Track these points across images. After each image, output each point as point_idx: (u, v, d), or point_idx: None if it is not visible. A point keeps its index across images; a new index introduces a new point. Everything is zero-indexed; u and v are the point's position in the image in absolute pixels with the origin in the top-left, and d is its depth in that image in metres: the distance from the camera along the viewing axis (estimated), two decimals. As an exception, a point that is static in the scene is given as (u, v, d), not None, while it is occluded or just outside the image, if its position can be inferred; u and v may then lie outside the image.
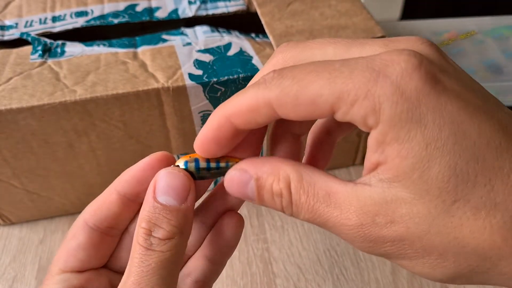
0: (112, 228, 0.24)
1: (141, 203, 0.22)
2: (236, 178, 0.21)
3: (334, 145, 0.25)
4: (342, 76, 0.17)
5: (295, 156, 0.24)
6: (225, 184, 0.21)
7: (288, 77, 0.18)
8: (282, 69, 0.19)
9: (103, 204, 0.23)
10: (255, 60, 0.38)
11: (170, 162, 0.23)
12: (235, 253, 0.42)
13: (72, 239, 0.23)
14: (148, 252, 0.20)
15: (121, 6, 0.44)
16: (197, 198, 0.24)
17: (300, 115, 0.19)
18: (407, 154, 0.17)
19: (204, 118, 0.39)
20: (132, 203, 0.24)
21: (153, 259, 0.20)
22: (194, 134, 0.40)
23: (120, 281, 0.21)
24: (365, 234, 0.18)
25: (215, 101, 0.38)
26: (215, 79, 0.36)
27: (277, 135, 0.24)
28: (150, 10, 0.44)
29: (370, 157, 0.18)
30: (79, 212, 0.24)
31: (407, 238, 0.17)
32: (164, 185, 0.21)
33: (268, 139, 0.24)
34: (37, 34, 0.41)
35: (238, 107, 0.19)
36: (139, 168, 0.23)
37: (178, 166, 0.22)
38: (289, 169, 0.20)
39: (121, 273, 0.25)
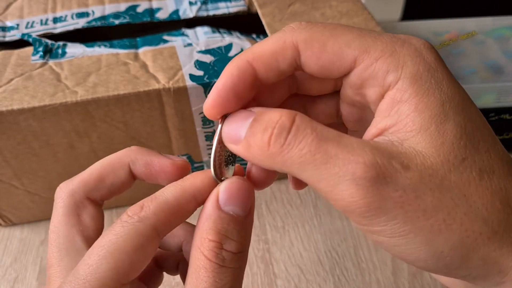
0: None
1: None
2: (238, 115, 0.19)
3: None
4: (371, 35, 0.19)
5: None
6: (223, 125, 0.20)
7: (319, 26, 0.19)
8: (309, 21, 0.19)
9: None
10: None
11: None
12: (236, 253, 0.42)
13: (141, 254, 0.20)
14: (221, 269, 0.18)
15: (122, 7, 0.44)
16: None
17: (323, 63, 0.19)
18: (426, 107, 0.17)
19: (205, 119, 0.39)
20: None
21: (228, 277, 0.18)
22: (195, 135, 0.40)
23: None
24: (378, 174, 0.16)
25: (216, 102, 0.38)
26: (216, 80, 0.36)
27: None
28: (151, 11, 0.44)
29: (378, 123, 0.19)
30: None
31: (419, 188, 0.17)
32: (230, 194, 0.19)
33: None
34: (38, 35, 0.41)
35: (262, 50, 0.19)
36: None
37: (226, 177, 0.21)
38: (296, 112, 0.18)
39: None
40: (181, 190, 0.20)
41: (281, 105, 0.23)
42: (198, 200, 0.20)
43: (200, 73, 0.37)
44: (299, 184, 0.24)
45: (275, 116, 0.18)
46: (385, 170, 0.16)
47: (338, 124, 0.24)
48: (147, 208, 0.19)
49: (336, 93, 0.23)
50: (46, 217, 0.45)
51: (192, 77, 0.36)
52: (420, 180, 0.17)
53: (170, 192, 0.20)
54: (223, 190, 0.20)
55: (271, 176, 0.22)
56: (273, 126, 0.17)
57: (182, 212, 0.20)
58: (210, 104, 0.19)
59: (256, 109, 0.19)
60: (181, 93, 0.36)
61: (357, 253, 0.42)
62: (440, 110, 0.17)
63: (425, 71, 0.18)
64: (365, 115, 0.22)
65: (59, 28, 0.42)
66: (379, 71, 0.18)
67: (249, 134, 0.18)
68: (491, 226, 0.17)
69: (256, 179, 0.22)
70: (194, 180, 0.20)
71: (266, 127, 0.18)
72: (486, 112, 0.47)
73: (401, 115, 0.18)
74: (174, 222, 0.20)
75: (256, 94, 0.21)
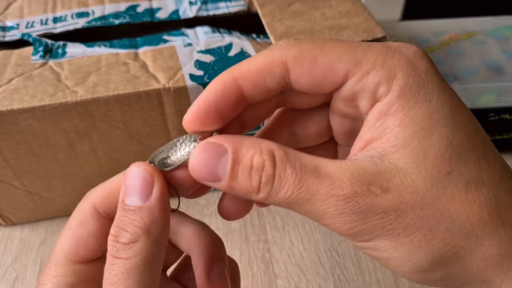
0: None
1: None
2: (207, 152, 0.18)
3: None
4: (362, 47, 0.19)
5: None
6: (191, 162, 0.19)
7: (308, 42, 0.19)
8: (297, 38, 0.19)
9: (114, 191, 0.22)
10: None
11: None
12: (236, 253, 0.42)
13: (81, 227, 0.22)
14: (114, 261, 0.19)
15: (122, 6, 0.44)
16: (200, 194, 0.22)
17: (314, 80, 0.19)
18: (411, 122, 0.17)
19: (205, 119, 0.39)
20: None
21: (119, 268, 0.18)
22: (195, 135, 0.40)
23: None
24: (358, 204, 0.17)
25: (216, 102, 0.38)
26: (216, 80, 0.36)
27: (273, 129, 0.23)
28: (151, 11, 0.44)
29: (364, 135, 0.19)
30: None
31: (400, 208, 0.17)
32: (127, 185, 0.20)
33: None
34: (38, 35, 0.41)
35: (249, 67, 0.19)
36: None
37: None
38: (271, 144, 0.18)
39: None
40: (122, 173, 0.21)
41: (268, 124, 0.23)
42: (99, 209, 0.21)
43: (200, 73, 0.37)
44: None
45: (257, 160, 0.18)
46: (365, 198, 0.17)
47: (327, 142, 0.24)
48: (92, 189, 0.22)
49: (325, 106, 0.22)
50: (46, 217, 0.45)
51: (192, 77, 0.36)
52: (401, 200, 0.17)
53: (115, 176, 0.21)
54: (124, 181, 0.20)
55: (247, 207, 0.22)
56: (260, 175, 0.18)
57: (116, 191, 0.21)
58: (189, 119, 0.19)
59: (227, 144, 0.18)
60: (181, 93, 0.36)
61: (357, 253, 0.42)
62: (426, 123, 0.17)
63: (415, 83, 0.18)
64: (356, 126, 0.22)
65: (59, 28, 0.42)
66: (371, 84, 0.18)
67: (231, 177, 0.18)
68: (475, 239, 0.17)
69: (232, 212, 0.22)
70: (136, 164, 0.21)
71: (250, 171, 0.18)
72: (486, 112, 0.47)
73: (386, 128, 0.18)
74: (112, 199, 0.21)
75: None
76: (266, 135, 0.23)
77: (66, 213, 0.45)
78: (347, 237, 0.18)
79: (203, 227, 0.25)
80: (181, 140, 0.21)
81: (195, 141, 0.20)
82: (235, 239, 0.43)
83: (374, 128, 0.18)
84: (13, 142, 0.36)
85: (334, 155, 0.24)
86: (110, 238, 0.19)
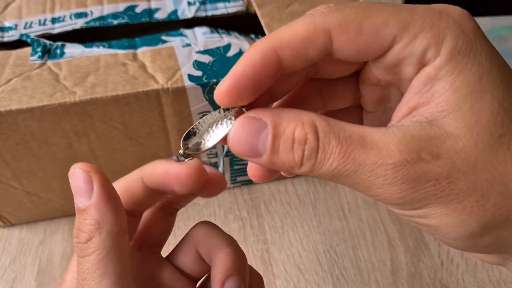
0: (135, 211, 0.23)
1: (165, 193, 0.21)
2: (247, 126, 0.18)
3: None
4: (407, 10, 0.18)
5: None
6: (231, 137, 0.18)
7: (351, 6, 0.18)
8: (338, 3, 0.18)
9: (129, 188, 0.22)
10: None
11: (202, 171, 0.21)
12: (235, 254, 0.42)
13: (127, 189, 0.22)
14: (79, 260, 0.20)
15: (121, 7, 0.44)
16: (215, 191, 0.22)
17: (360, 46, 0.18)
18: (461, 85, 0.17)
19: (203, 119, 0.39)
20: (156, 193, 0.23)
21: (84, 266, 0.19)
22: (193, 135, 0.40)
23: (149, 258, 0.21)
24: (408, 172, 0.16)
25: (215, 102, 0.38)
26: (214, 80, 0.36)
27: (298, 95, 0.22)
28: (149, 11, 0.44)
29: (408, 101, 0.18)
30: None
31: (452, 174, 0.16)
32: (72, 187, 0.20)
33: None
34: (36, 36, 0.41)
35: (291, 36, 0.18)
36: (166, 169, 0.21)
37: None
38: (313, 115, 0.17)
39: (155, 252, 0.25)
40: (138, 170, 0.22)
41: (295, 91, 0.22)
42: (145, 180, 0.22)
43: (199, 73, 0.37)
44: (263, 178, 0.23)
45: (299, 133, 0.17)
46: (415, 165, 0.16)
47: (352, 107, 0.23)
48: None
49: (354, 74, 0.21)
50: (44, 217, 0.45)
51: (191, 77, 0.36)
52: (452, 166, 0.16)
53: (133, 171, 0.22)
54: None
55: (275, 173, 0.22)
56: (302, 148, 0.17)
57: (130, 188, 0.22)
58: (224, 91, 0.18)
59: (266, 118, 0.18)
60: (179, 93, 0.36)
61: (356, 253, 0.42)
62: (477, 86, 0.17)
63: (464, 44, 0.17)
64: (387, 94, 0.21)
65: (58, 28, 0.42)
66: (419, 48, 0.17)
67: (272, 152, 0.18)
68: None
69: (260, 177, 0.22)
70: (153, 162, 0.22)
71: (292, 145, 0.17)
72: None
73: (435, 93, 0.17)
74: (125, 196, 0.22)
75: None
76: (294, 97, 0.22)
77: (65, 214, 0.45)
78: (395, 207, 0.17)
79: (228, 241, 0.25)
80: (212, 119, 0.19)
81: (230, 119, 0.19)
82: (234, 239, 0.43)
83: (420, 94, 0.18)
84: (11, 143, 0.36)
85: (360, 120, 0.24)
86: (74, 241, 0.20)
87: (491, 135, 0.16)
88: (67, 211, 0.45)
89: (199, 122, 0.20)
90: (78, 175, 0.20)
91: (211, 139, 0.20)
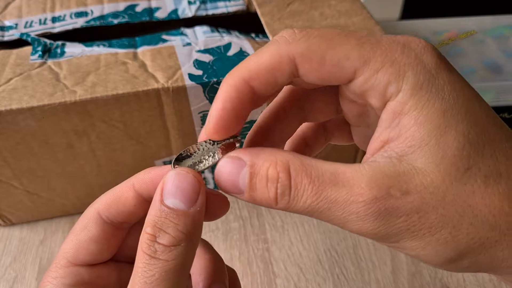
0: (125, 223, 0.23)
1: None
2: (228, 166, 0.19)
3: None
4: (370, 43, 0.18)
5: (289, 135, 0.23)
6: (216, 175, 0.20)
7: (315, 35, 0.18)
8: (304, 29, 0.19)
9: (119, 199, 0.22)
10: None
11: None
12: (236, 253, 0.42)
13: (83, 231, 0.22)
14: (152, 261, 0.19)
15: (121, 6, 0.44)
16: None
17: (323, 76, 0.18)
18: (426, 120, 0.17)
19: (204, 119, 0.39)
20: (148, 203, 0.22)
21: (157, 269, 0.18)
22: (194, 135, 0.40)
23: (128, 274, 0.20)
24: (379, 209, 0.17)
25: (215, 101, 0.38)
26: (215, 79, 0.36)
27: (280, 106, 0.22)
28: (150, 11, 0.44)
29: (380, 135, 0.18)
30: (80, 212, 0.24)
31: (422, 209, 0.17)
32: (172, 187, 0.19)
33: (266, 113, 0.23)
34: (37, 35, 0.41)
35: (258, 66, 0.18)
36: (160, 172, 0.21)
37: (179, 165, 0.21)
38: (287, 155, 0.18)
39: (128, 263, 0.24)
40: (126, 182, 0.22)
41: (277, 100, 0.23)
42: (136, 187, 0.22)
43: (199, 72, 0.37)
44: None
45: (272, 172, 0.18)
46: (385, 202, 0.17)
47: (340, 120, 0.24)
48: (99, 197, 0.22)
49: (335, 88, 0.22)
50: (45, 217, 0.45)
51: (191, 76, 0.36)
52: (422, 201, 0.17)
53: (119, 184, 0.22)
54: (165, 182, 0.20)
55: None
56: (275, 186, 0.18)
57: (121, 198, 0.22)
58: (211, 130, 0.19)
59: (246, 158, 0.19)
60: (180, 92, 0.36)
61: (356, 252, 0.42)
62: (440, 121, 0.17)
63: (426, 80, 0.18)
64: (366, 110, 0.22)
65: (58, 27, 0.42)
66: (380, 83, 0.18)
67: (250, 189, 0.19)
68: (499, 230, 0.17)
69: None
70: (146, 169, 0.22)
71: (266, 183, 0.18)
72: (485, 111, 0.47)
73: (402, 128, 0.18)
74: (115, 206, 0.22)
75: None
76: (274, 112, 0.23)
77: (65, 213, 0.45)
78: (373, 239, 0.18)
79: (205, 247, 0.26)
80: (206, 147, 0.21)
81: (217, 146, 0.21)
82: (235, 238, 0.43)
83: (390, 128, 0.18)
84: (12, 142, 0.36)
85: (349, 134, 0.24)
86: (145, 236, 0.19)
87: (458, 169, 0.17)
88: (68, 211, 0.45)
89: (192, 147, 0.21)
90: (187, 178, 0.20)
91: (203, 165, 0.21)
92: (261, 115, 0.23)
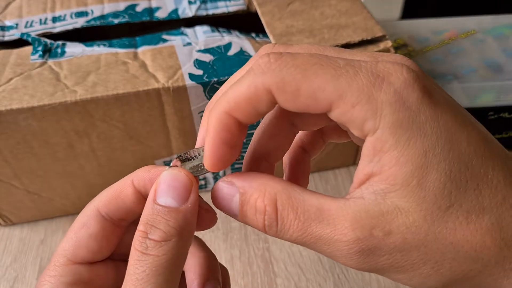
0: (123, 220, 0.23)
1: None
2: (223, 190, 0.20)
3: (309, 163, 0.26)
4: (347, 76, 0.17)
5: (285, 149, 0.23)
6: (212, 196, 0.21)
7: (290, 65, 0.18)
8: (280, 55, 0.18)
9: (118, 195, 0.22)
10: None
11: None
12: (236, 252, 0.42)
13: (82, 228, 0.22)
14: (143, 257, 0.19)
15: (121, 6, 0.44)
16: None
17: (299, 107, 0.18)
18: (407, 161, 0.17)
19: (204, 118, 0.39)
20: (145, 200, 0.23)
21: (147, 264, 0.19)
22: (194, 134, 0.40)
23: (125, 272, 0.20)
24: (362, 249, 0.18)
25: (216, 101, 0.38)
26: (215, 79, 0.36)
27: (272, 122, 0.23)
28: (150, 10, 0.44)
29: (364, 168, 0.18)
30: (80, 212, 0.24)
31: (404, 248, 0.17)
32: (164, 185, 0.20)
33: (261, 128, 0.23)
34: (37, 35, 0.41)
35: (236, 99, 0.18)
36: (159, 172, 0.21)
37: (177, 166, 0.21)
38: (277, 186, 0.19)
39: (125, 261, 0.24)
40: (126, 178, 0.22)
41: (267, 118, 0.23)
42: (135, 184, 0.22)
43: (200, 72, 0.37)
44: None
45: (259, 204, 0.19)
46: (368, 243, 0.17)
47: (334, 125, 0.24)
48: (97, 195, 0.23)
49: None
50: (45, 216, 0.45)
51: (192, 76, 0.36)
52: (404, 241, 0.17)
53: (119, 181, 0.22)
54: (159, 182, 0.20)
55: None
56: (263, 217, 0.19)
57: (120, 195, 0.22)
58: (210, 164, 0.20)
59: (238, 184, 0.20)
60: (180, 92, 0.36)
61: (356, 252, 0.42)
62: (422, 161, 0.17)
63: (405, 118, 0.17)
64: None
65: (58, 27, 0.42)
66: (357, 118, 0.17)
67: (242, 215, 0.20)
68: (481, 262, 0.17)
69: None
70: (142, 169, 0.22)
71: (255, 213, 0.19)
72: (485, 111, 0.47)
73: (384, 166, 0.18)
74: (114, 203, 0.22)
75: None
76: (267, 131, 0.23)
77: (65, 213, 0.45)
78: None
79: (199, 245, 0.26)
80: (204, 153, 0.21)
81: None
82: (235, 238, 0.43)
83: (372, 163, 0.18)
84: (12, 142, 0.36)
85: (347, 136, 0.25)
86: (138, 234, 0.19)
87: (439, 208, 0.17)
88: (68, 210, 0.45)
89: (192, 151, 0.22)
90: (178, 176, 0.20)
91: (202, 170, 0.21)
92: (254, 135, 0.23)
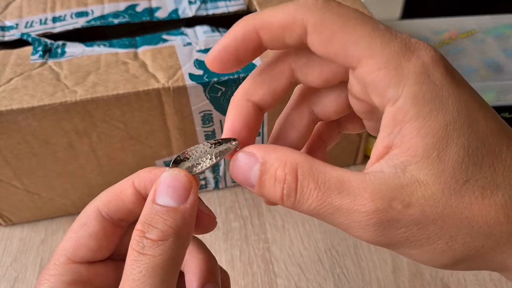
0: (123, 220, 0.23)
1: None
2: (242, 160, 0.20)
3: (325, 153, 0.26)
4: (382, 39, 0.18)
5: (305, 138, 0.24)
6: (231, 167, 0.21)
7: (334, 11, 0.18)
8: (329, 0, 0.19)
9: (119, 195, 0.22)
10: (256, 60, 0.38)
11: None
12: (236, 252, 0.42)
13: (82, 227, 0.22)
14: (139, 257, 0.19)
15: (121, 6, 0.44)
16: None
17: (327, 52, 0.18)
18: (428, 132, 0.17)
19: (204, 118, 0.39)
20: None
21: (144, 265, 0.19)
22: (194, 134, 0.40)
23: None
24: (380, 220, 0.17)
25: (216, 101, 0.38)
26: (215, 79, 0.36)
27: (293, 110, 0.23)
28: (150, 10, 0.44)
29: (383, 140, 0.18)
30: (80, 212, 0.24)
31: (422, 221, 0.17)
32: (164, 186, 0.20)
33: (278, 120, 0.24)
34: (37, 35, 0.41)
35: (271, 20, 0.19)
36: (160, 174, 0.21)
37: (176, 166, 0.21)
38: (298, 157, 0.19)
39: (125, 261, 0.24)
40: (127, 179, 0.22)
41: (288, 106, 0.23)
42: (136, 185, 0.22)
43: (200, 72, 0.37)
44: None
45: (279, 172, 0.19)
46: (387, 214, 0.17)
47: (352, 114, 0.24)
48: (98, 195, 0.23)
49: (343, 84, 0.22)
50: (46, 216, 0.45)
51: (192, 76, 0.36)
52: (422, 214, 0.17)
53: (120, 182, 0.23)
54: (158, 183, 0.20)
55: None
56: (282, 186, 0.19)
57: (120, 195, 0.22)
58: (210, 59, 0.20)
59: (258, 153, 0.19)
60: (180, 92, 0.36)
61: (357, 252, 0.42)
62: (443, 134, 0.17)
63: (428, 91, 0.17)
64: (374, 107, 0.21)
65: (58, 27, 0.42)
66: (381, 82, 0.18)
67: (260, 186, 0.19)
68: (493, 239, 0.18)
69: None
70: (143, 170, 0.22)
71: (274, 183, 0.19)
72: (485, 110, 0.47)
73: (404, 137, 0.18)
74: (114, 203, 0.22)
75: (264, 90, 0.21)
76: (288, 116, 0.23)
77: (66, 213, 0.45)
78: (375, 245, 0.19)
79: (199, 246, 0.26)
80: (203, 149, 0.22)
81: (219, 155, 0.21)
82: (235, 238, 0.43)
83: (392, 135, 0.18)
84: (12, 142, 0.36)
85: (362, 125, 0.25)
86: (136, 233, 0.19)
87: (457, 182, 0.17)
88: (68, 210, 0.45)
89: (190, 150, 0.22)
90: (178, 177, 0.20)
91: (200, 167, 0.22)
92: (276, 123, 0.24)
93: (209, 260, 0.26)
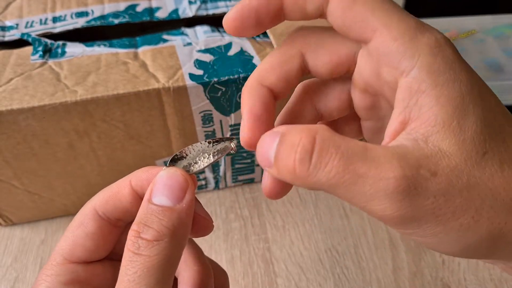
0: (120, 220, 0.23)
1: None
2: (267, 139, 0.19)
3: None
4: (399, 15, 0.18)
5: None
6: (257, 146, 0.19)
7: None
8: None
9: (116, 195, 0.22)
10: (256, 60, 0.38)
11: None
12: (236, 253, 0.42)
13: (79, 227, 0.22)
14: (134, 257, 0.18)
15: (122, 6, 0.44)
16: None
17: (345, 19, 0.19)
18: (447, 101, 0.17)
19: (204, 118, 0.39)
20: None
21: (139, 265, 0.18)
22: (195, 134, 0.40)
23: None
24: (409, 187, 0.16)
25: (216, 101, 0.38)
26: (215, 79, 0.36)
27: (295, 105, 0.23)
28: (150, 10, 0.44)
29: (398, 116, 0.18)
30: None
31: (449, 191, 0.17)
32: (160, 185, 0.20)
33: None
34: (37, 35, 0.41)
35: None
36: (157, 173, 0.21)
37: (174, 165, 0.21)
38: (320, 127, 0.18)
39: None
40: (124, 178, 0.22)
41: (291, 101, 0.23)
42: (133, 184, 0.22)
43: (200, 72, 0.37)
44: (276, 194, 0.23)
45: (295, 137, 0.17)
46: (415, 181, 0.16)
47: (350, 116, 0.24)
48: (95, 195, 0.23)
49: (346, 81, 0.22)
50: (46, 216, 0.45)
51: (192, 76, 0.36)
52: (449, 183, 0.17)
53: (117, 181, 0.22)
54: (155, 182, 0.20)
55: (286, 189, 0.22)
56: (295, 150, 0.17)
57: (118, 195, 0.22)
58: (231, 18, 0.20)
59: (281, 129, 0.18)
60: (180, 92, 0.36)
61: (357, 251, 0.42)
62: (460, 103, 0.17)
63: (443, 62, 0.18)
64: (377, 102, 0.22)
65: (59, 27, 0.42)
66: (396, 52, 0.18)
67: (276, 159, 0.18)
68: None
69: (271, 191, 0.22)
70: (141, 169, 0.22)
71: (289, 150, 0.18)
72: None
73: (422, 107, 0.17)
74: (111, 203, 0.22)
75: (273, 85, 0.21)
76: (290, 112, 0.23)
77: (66, 213, 0.45)
78: (394, 225, 0.18)
79: (195, 256, 0.25)
80: (201, 148, 0.22)
81: (217, 154, 0.21)
82: (235, 238, 0.43)
83: (408, 108, 0.18)
84: (13, 142, 0.36)
85: (358, 128, 0.25)
86: (131, 233, 0.19)
87: (477, 153, 0.17)
88: (68, 210, 0.45)
89: (187, 148, 0.22)
90: (174, 176, 0.20)
91: (198, 165, 0.21)
92: (277, 118, 0.23)
93: (204, 272, 0.25)
